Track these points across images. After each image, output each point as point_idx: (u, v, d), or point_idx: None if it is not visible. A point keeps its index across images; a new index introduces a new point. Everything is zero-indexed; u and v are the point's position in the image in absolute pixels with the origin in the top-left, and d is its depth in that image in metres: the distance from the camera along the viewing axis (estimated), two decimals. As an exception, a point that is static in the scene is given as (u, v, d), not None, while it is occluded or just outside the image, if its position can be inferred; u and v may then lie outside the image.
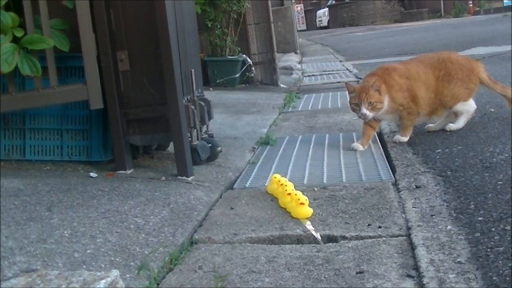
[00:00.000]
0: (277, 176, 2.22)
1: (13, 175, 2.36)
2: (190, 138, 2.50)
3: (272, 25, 6.22)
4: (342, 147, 3.01)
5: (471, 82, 3.06)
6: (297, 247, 1.72)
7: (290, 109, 4.64)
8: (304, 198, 1.96)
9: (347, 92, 3.01)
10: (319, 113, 4.26)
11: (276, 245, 1.75)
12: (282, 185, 2.13)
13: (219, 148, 2.79)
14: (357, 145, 2.93)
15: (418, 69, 3.04)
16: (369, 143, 2.99)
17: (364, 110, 2.86)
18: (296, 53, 10.49)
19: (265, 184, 2.40)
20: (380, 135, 3.27)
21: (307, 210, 1.94)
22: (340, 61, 9.19)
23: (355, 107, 2.92)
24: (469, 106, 3.09)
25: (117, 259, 1.54)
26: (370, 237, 1.74)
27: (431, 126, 3.20)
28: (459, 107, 3.05)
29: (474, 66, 3.11)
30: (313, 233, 1.78)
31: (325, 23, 28.99)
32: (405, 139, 3.01)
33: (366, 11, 27.04)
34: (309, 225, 1.84)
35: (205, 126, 2.85)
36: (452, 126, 3.10)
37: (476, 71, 3.09)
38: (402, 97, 2.95)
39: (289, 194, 2.02)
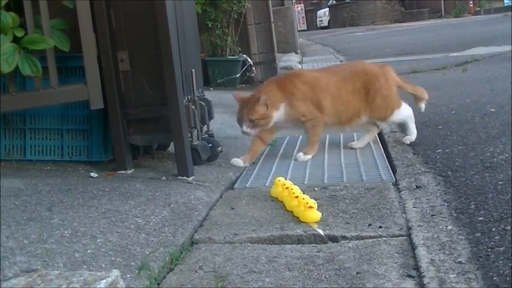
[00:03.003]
0: (281, 179, 2.19)
1: (13, 175, 2.36)
2: (190, 138, 2.50)
3: (272, 25, 6.23)
4: (342, 147, 3.01)
5: (391, 87, 2.93)
6: (297, 247, 1.71)
7: (290, 109, 4.63)
8: (312, 202, 1.90)
9: None
10: (319, 113, 4.25)
11: (277, 245, 1.75)
12: (287, 188, 2.10)
13: (219, 148, 2.79)
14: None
15: (329, 81, 2.83)
16: (370, 143, 3.00)
17: (245, 128, 2.63)
18: (296, 53, 10.48)
19: (266, 184, 2.40)
20: (380, 135, 3.27)
21: (316, 214, 1.89)
22: (341, 61, 9.18)
23: (238, 121, 2.69)
24: (406, 110, 2.93)
25: (118, 259, 1.54)
26: (370, 237, 1.74)
27: (355, 143, 2.98)
28: (396, 116, 2.90)
29: (386, 72, 2.97)
30: (325, 238, 1.77)
31: (325, 23, 28.96)
32: (309, 157, 2.76)
33: (366, 11, 27.01)
34: (319, 229, 1.81)
35: (205, 126, 2.85)
36: (408, 138, 2.93)
37: (390, 75, 2.96)
38: (304, 105, 2.73)
39: (296, 197, 1.98)
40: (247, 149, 2.80)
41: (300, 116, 2.74)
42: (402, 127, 3.08)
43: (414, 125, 2.96)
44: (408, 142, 2.93)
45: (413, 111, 2.99)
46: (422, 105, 3.12)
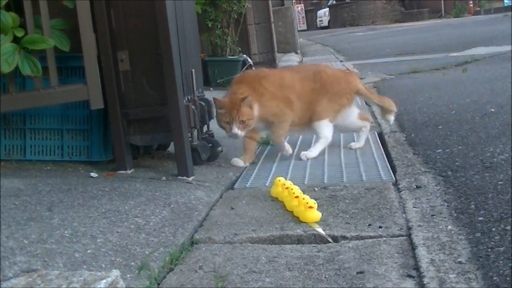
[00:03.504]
0: (282, 179, 2.19)
1: (13, 175, 2.36)
2: (190, 138, 2.51)
3: (272, 25, 6.24)
4: (342, 147, 3.01)
5: (345, 96, 2.86)
6: (297, 247, 1.71)
7: (290, 109, 4.62)
8: (312, 202, 1.90)
9: (215, 107, 2.70)
10: (319, 113, 4.25)
11: (277, 245, 1.75)
12: (287, 188, 2.10)
13: (219, 148, 2.79)
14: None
15: (293, 79, 2.83)
16: (370, 143, 3.00)
17: (236, 130, 2.59)
18: (296, 53, 10.48)
19: (266, 184, 2.40)
20: (380, 135, 3.27)
21: (316, 214, 1.89)
22: (341, 61, 9.18)
23: (225, 124, 2.63)
24: (328, 132, 2.85)
25: (118, 259, 1.54)
26: (370, 237, 1.74)
27: (354, 144, 2.99)
28: (322, 124, 2.83)
29: (351, 78, 2.94)
30: (327, 237, 1.76)
31: (325, 23, 28.98)
32: (289, 152, 2.77)
33: (366, 11, 27.03)
34: (319, 229, 1.80)
35: (205, 126, 2.85)
36: (307, 154, 2.81)
37: (354, 83, 2.92)
38: (276, 106, 2.71)
39: (296, 197, 1.98)
40: (244, 150, 2.80)
41: (270, 116, 2.72)
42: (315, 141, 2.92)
43: (321, 149, 2.84)
44: (305, 158, 2.79)
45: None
46: (391, 118, 3.06)
